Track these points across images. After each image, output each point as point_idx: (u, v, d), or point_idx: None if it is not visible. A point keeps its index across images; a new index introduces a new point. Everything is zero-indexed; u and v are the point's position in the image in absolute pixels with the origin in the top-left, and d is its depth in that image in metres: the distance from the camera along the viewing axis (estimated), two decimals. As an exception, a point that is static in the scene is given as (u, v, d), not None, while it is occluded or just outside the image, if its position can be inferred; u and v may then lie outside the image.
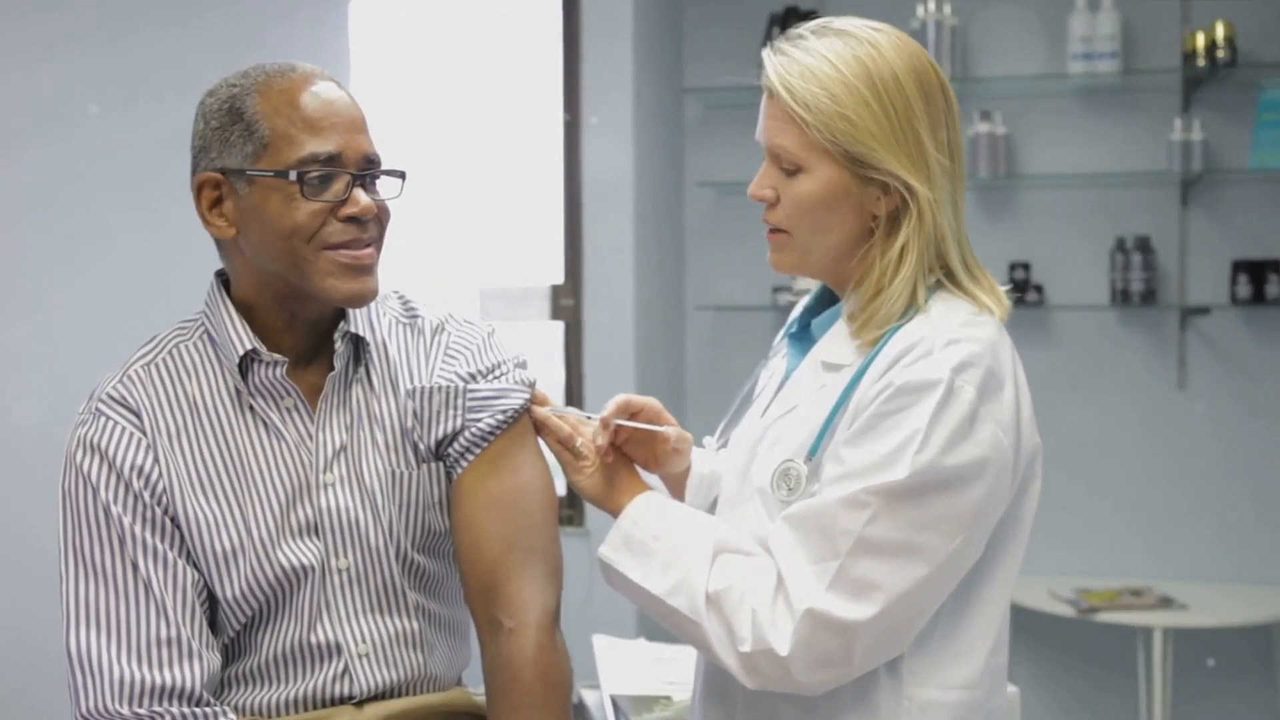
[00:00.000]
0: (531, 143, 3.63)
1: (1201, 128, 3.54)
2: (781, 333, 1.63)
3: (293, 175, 1.32)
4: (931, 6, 3.62)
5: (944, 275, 1.40)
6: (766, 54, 1.41)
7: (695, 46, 3.95)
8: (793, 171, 1.39)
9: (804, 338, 1.52)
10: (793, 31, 1.41)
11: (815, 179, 1.38)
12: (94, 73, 2.90)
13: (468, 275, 3.71)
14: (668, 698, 1.99)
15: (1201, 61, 3.51)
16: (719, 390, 3.88)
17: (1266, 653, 3.59)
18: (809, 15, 3.75)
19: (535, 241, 3.65)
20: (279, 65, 1.38)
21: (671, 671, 2.13)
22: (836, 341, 1.43)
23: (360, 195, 1.35)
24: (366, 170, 1.37)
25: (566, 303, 3.49)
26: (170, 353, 1.42)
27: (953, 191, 1.40)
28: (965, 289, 1.40)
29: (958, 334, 1.33)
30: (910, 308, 1.37)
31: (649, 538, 1.41)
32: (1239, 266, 3.57)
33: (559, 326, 3.54)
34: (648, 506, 1.45)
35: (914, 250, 1.37)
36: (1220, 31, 3.48)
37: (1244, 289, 3.55)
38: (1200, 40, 3.51)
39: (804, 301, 1.62)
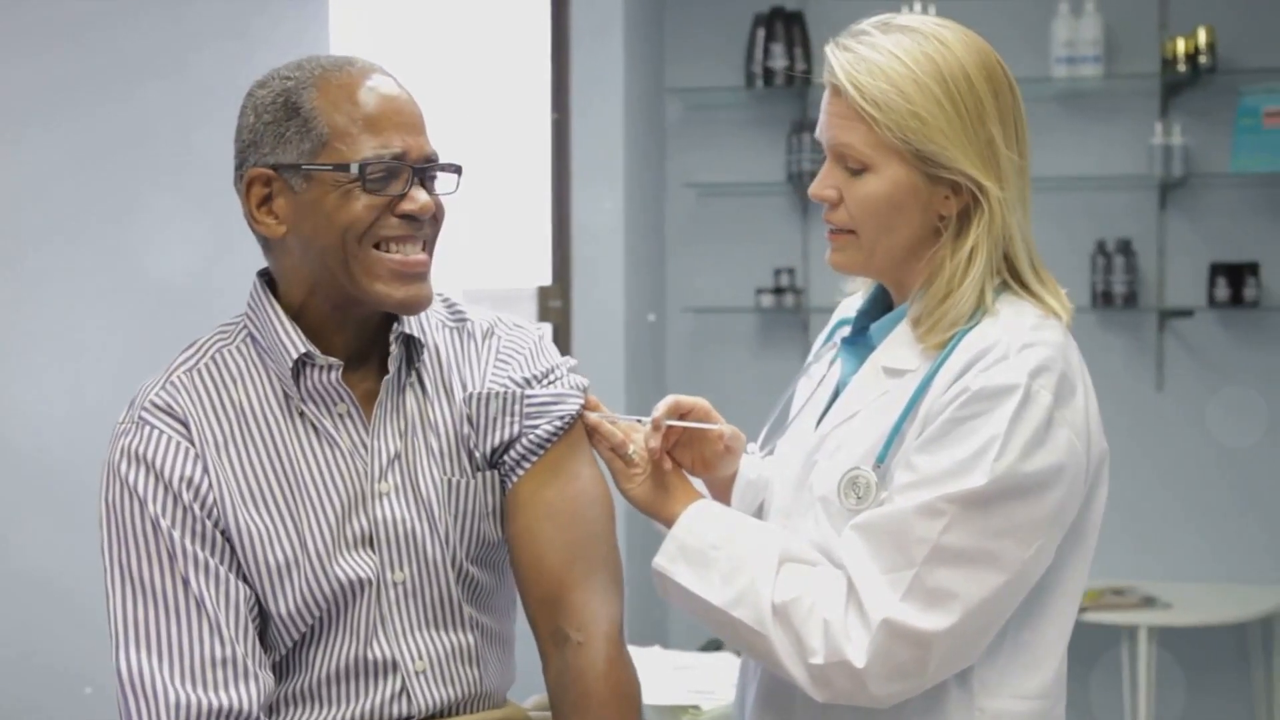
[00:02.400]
0: (518, 141, 3.58)
1: (1182, 132, 3.59)
2: (821, 339, 1.60)
3: (354, 169, 1.27)
4: (917, 8, 3.62)
5: (1010, 276, 1.38)
6: (830, 50, 1.38)
7: (676, 46, 3.93)
8: (858, 170, 1.36)
9: (859, 343, 1.49)
10: (855, 28, 1.39)
11: (882, 178, 1.35)
12: (74, 63, 2.82)
13: (451, 276, 3.65)
14: (696, 707, 1.96)
15: (1182, 67, 3.55)
16: (701, 393, 3.85)
17: (1248, 650, 3.65)
18: (795, 16, 3.76)
19: (521, 242, 3.60)
20: (335, 59, 1.33)
21: (696, 680, 2.10)
22: (899, 346, 1.40)
23: (419, 194, 1.31)
24: (426, 166, 1.32)
25: (554, 304, 3.45)
26: (213, 357, 1.36)
27: (1021, 190, 1.39)
28: (1032, 290, 1.38)
29: (1030, 338, 1.32)
30: (978, 310, 1.35)
31: (707, 547, 1.38)
32: (1217, 269, 3.62)
33: (547, 329, 3.50)
34: (703, 515, 1.42)
35: (983, 251, 1.35)
36: (1202, 37, 3.52)
37: (1222, 291, 3.60)
38: (1181, 46, 3.55)
39: (845, 306, 1.59)
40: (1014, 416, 1.27)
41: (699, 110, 3.93)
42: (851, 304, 1.59)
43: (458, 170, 1.37)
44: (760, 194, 3.91)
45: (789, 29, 3.72)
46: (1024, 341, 1.31)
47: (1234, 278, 3.60)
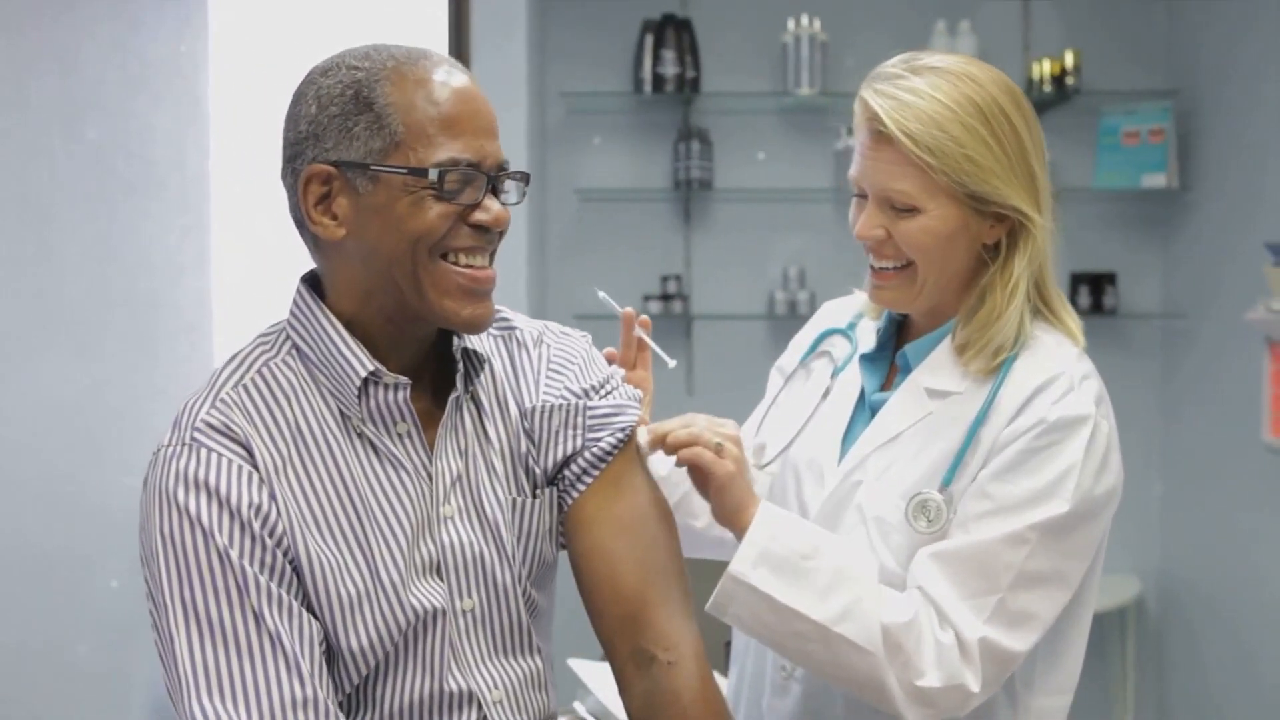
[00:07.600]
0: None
1: (1048, 149, 3.76)
2: (805, 347, 1.60)
3: (433, 174, 1.20)
4: (804, 21, 3.70)
5: (1039, 301, 1.44)
6: (869, 95, 1.39)
7: (561, 50, 3.89)
8: (906, 210, 1.39)
9: (879, 359, 1.51)
10: (885, 70, 1.41)
11: (933, 217, 1.38)
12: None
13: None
14: None
15: (1048, 88, 3.74)
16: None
17: (1104, 639, 3.86)
18: (685, 24, 3.77)
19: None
20: (407, 50, 1.24)
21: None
22: (941, 368, 1.44)
23: (493, 203, 1.25)
24: (499, 174, 1.26)
25: (454, 311, 3.36)
26: (260, 372, 1.25)
27: (1051, 215, 1.45)
28: (1058, 315, 1.45)
29: (1083, 368, 1.39)
30: (1018, 338, 1.40)
31: (797, 557, 1.35)
32: (1079, 279, 3.83)
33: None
34: (780, 520, 1.38)
35: (1025, 276, 1.40)
36: (1069, 60, 3.72)
37: (1084, 300, 3.81)
38: (1046, 67, 3.74)
39: (829, 314, 1.62)
40: (1088, 445, 1.34)
41: (584, 115, 3.90)
42: (837, 313, 1.61)
43: (526, 179, 1.32)
44: (646, 200, 3.92)
45: (679, 36, 3.74)
46: (1082, 373, 1.38)
47: (1095, 287, 3.81)
